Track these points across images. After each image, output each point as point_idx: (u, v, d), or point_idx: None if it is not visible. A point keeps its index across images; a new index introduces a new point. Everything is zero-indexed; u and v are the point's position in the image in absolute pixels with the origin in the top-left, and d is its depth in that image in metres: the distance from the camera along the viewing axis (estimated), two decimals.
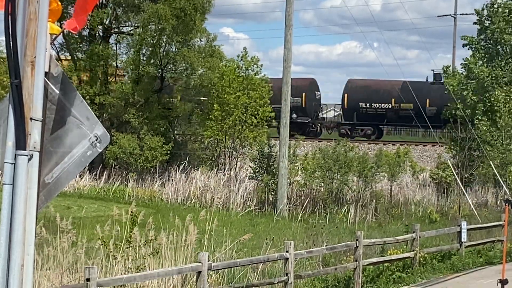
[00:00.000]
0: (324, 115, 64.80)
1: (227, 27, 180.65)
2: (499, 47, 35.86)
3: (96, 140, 4.74)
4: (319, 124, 59.55)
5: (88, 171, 33.54)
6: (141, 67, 35.70)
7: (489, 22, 35.84)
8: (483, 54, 35.59)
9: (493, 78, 34.25)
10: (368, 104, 55.02)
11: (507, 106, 32.07)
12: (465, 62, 36.30)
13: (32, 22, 4.31)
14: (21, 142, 4.24)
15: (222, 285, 14.36)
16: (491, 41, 35.83)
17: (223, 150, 36.71)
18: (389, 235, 21.81)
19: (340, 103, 59.43)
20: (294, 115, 50.93)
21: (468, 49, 36.37)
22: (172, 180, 32.74)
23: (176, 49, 36.24)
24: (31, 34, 4.31)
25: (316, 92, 58.34)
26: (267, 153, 31.85)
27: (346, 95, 56.01)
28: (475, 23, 36.43)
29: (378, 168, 31.25)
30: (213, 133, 35.92)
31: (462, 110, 33.16)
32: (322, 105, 61.31)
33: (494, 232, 23.98)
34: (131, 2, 36.01)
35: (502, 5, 35.64)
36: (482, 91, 34.43)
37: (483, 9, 36.16)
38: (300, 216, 27.15)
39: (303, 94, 55.24)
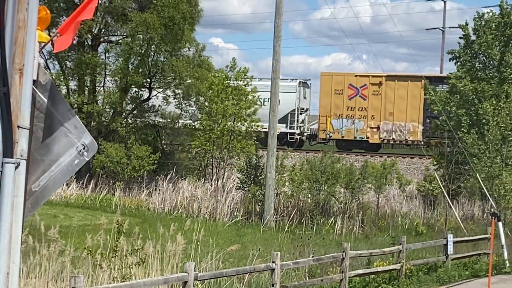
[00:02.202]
0: None
1: (216, 37, 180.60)
2: (484, 58, 35.72)
3: (84, 148, 4.73)
4: None
5: (75, 179, 33.44)
6: (129, 76, 35.60)
7: (475, 35, 35.73)
8: (468, 68, 35.48)
9: (479, 92, 34.20)
10: None
11: (495, 119, 32.08)
12: (451, 81, 36.10)
13: (21, 30, 4.31)
14: (8, 150, 4.23)
15: None
16: (478, 54, 35.72)
17: (211, 160, 36.63)
18: (375, 247, 21.81)
19: None
20: None
21: (455, 63, 36.28)
22: (159, 190, 32.64)
23: (165, 59, 36.20)
24: (19, 42, 4.31)
25: None
26: (254, 163, 31.84)
27: None
28: (460, 37, 36.32)
29: (365, 179, 31.27)
30: (200, 143, 35.85)
31: (448, 123, 33.16)
32: None
33: (480, 245, 24.02)
34: (120, 10, 35.94)
35: (493, 17, 35.40)
36: (467, 106, 34.40)
37: (467, 24, 35.97)
38: (287, 227, 27.14)
39: None
